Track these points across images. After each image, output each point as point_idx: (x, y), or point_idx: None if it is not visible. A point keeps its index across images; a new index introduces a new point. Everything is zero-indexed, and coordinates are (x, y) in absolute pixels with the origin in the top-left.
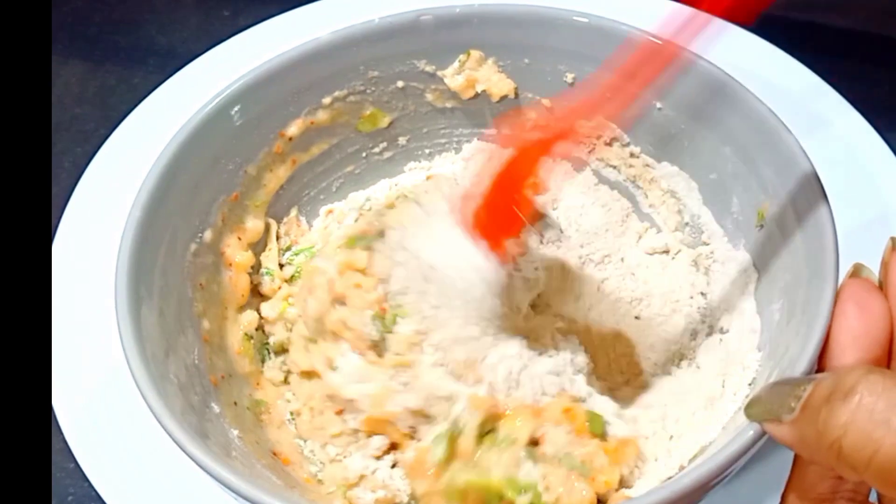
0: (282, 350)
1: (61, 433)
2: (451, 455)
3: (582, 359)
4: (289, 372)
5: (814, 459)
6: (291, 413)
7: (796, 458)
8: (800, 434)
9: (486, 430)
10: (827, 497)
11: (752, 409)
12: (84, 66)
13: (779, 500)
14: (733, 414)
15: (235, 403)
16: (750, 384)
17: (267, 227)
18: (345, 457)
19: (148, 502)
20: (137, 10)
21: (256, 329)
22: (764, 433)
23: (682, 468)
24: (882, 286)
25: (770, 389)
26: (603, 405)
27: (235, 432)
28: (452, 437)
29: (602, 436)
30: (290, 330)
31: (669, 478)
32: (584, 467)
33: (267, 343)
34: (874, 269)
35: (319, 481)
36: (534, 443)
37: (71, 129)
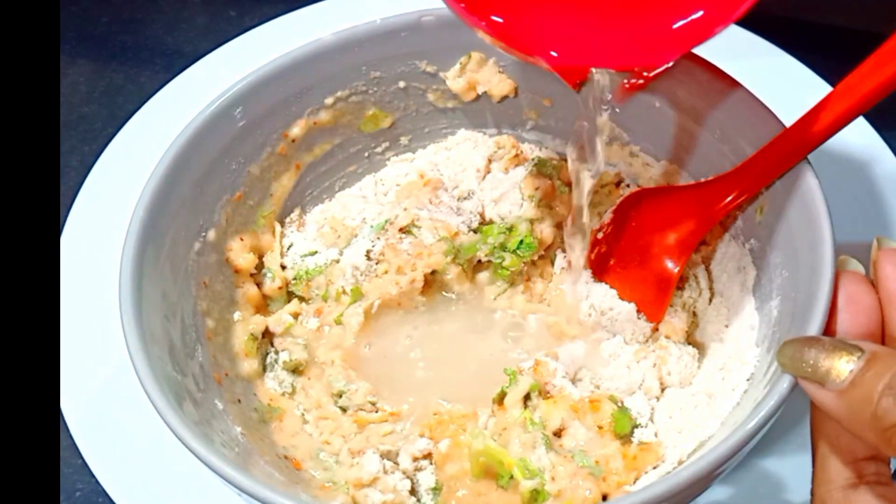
0: (294, 370)
1: (69, 430)
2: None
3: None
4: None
5: (855, 432)
6: (305, 415)
7: (815, 457)
8: (848, 408)
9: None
10: (853, 482)
11: (786, 358)
12: (91, 66)
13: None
14: (732, 409)
15: (239, 401)
16: (748, 380)
17: (272, 231)
18: (362, 454)
19: (153, 497)
20: (144, 10)
21: (263, 336)
22: (761, 428)
23: (680, 463)
24: (874, 283)
25: (804, 344)
26: (642, 407)
27: (238, 429)
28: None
29: (627, 436)
30: (306, 349)
31: (668, 472)
32: (597, 468)
33: (271, 350)
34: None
35: (334, 483)
36: (557, 433)
37: (78, 128)
